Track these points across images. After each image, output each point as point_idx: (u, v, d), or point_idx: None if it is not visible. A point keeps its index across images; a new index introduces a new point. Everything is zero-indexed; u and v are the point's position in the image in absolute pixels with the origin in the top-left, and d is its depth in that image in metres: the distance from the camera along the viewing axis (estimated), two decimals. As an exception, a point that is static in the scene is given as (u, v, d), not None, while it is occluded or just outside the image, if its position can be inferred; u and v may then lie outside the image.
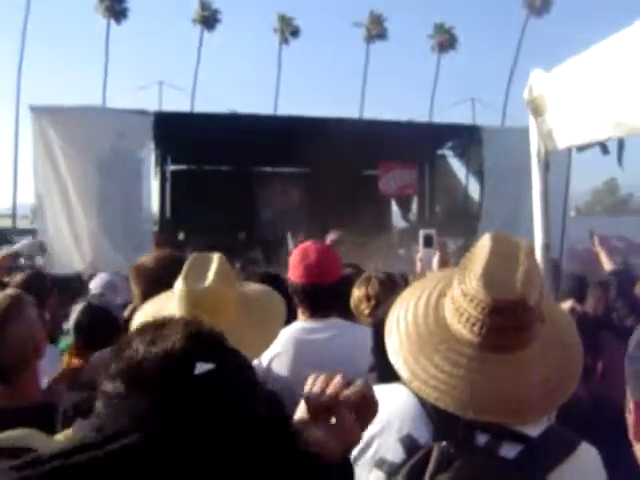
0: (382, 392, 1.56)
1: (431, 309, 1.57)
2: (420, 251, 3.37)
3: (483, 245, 1.55)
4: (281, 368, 2.54)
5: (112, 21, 47.14)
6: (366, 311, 3.31)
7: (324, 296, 2.78)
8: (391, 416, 1.46)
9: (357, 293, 3.42)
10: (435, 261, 3.26)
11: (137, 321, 2.13)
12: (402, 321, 1.59)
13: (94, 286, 4.62)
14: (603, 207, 62.18)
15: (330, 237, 4.12)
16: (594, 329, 3.73)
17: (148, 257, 2.74)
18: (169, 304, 2.15)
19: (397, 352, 1.53)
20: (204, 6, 50.36)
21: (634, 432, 1.11)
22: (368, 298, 3.33)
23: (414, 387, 1.44)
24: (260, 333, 2.16)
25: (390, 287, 3.31)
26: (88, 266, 12.85)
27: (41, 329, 2.51)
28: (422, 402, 1.45)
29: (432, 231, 3.36)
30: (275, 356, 2.59)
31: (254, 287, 2.33)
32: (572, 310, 3.74)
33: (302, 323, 2.78)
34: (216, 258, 2.18)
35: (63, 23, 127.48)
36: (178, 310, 2.07)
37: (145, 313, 2.18)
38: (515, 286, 1.44)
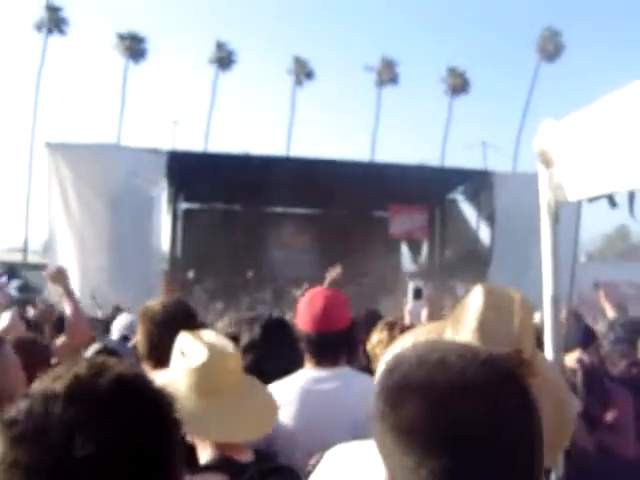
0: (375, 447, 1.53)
1: None
2: (409, 303, 3.34)
3: (475, 297, 1.53)
4: (287, 419, 2.50)
5: (130, 60, 47.91)
6: (381, 355, 3.25)
7: (331, 345, 2.73)
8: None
9: (378, 336, 3.36)
10: (424, 314, 3.23)
11: None
12: None
13: (117, 327, 4.63)
14: (614, 253, 61.89)
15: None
16: (601, 380, 3.70)
17: (156, 301, 2.74)
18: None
19: None
20: (220, 47, 51.10)
21: None
22: (388, 342, 3.28)
23: None
24: (266, 409, 2.15)
25: None
26: (97, 302, 12.83)
27: (19, 376, 2.36)
28: None
29: (421, 284, 3.35)
30: (281, 406, 2.56)
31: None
32: (580, 361, 3.71)
33: (309, 371, 2.74)
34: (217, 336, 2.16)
35: (80, 62, 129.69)
36: (194, 380, 2.01)
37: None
38: (510, 339, 1.43)
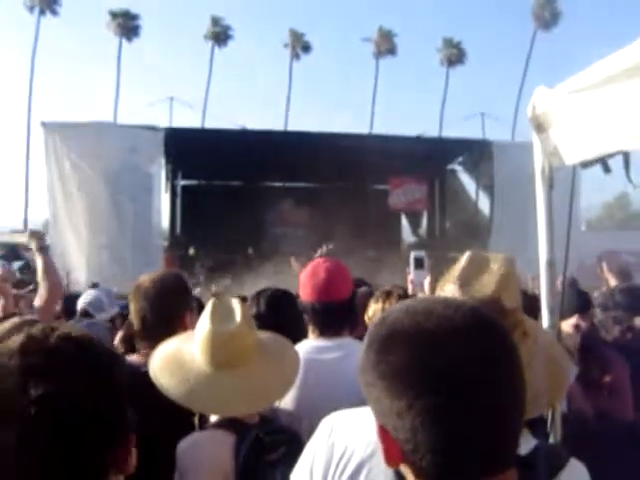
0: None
1: None
2: (411, 273, 3.35)
3: (460, 260, 1.64)
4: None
5: (124, 38, 47.46)
6: None
7: (334, 315, 2.76)
8: None
9: (375, 306, 3.37)
10: (426, 283, 3.24)
11: (155, 361, 2.17)
12: None
13: (81, 303, 4.63)
14: (614, 222, 61.84)
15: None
16: (599, 345, 3.72)
17: (147, 276, 2.75)
18: (187, 344, 2.20)
19: None
20: (215, 22, 50.57)
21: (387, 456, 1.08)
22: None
23: None
24: (280, 378, 2.23)
25: None
26: (97, 280, 12.86)
27: None
28: None
29: (423, 253, 3.37)
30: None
31: (266, 334, 2.37)
32: (577, 326, 3.72)
33: (313, 342, 2.76)
34: (238, 302, 2.22)
35: (74, 40, 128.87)
36: (202, 351, 2.12)
37: (164, 353, 2.20)
38: (490, 287, 1.52)
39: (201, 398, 2.05)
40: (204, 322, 2.14)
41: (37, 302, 3.66)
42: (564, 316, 3.63)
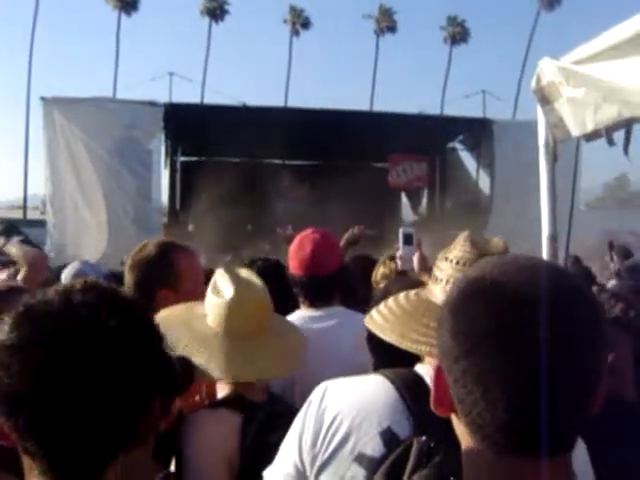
0: (362, 383, 1.53)
1: (411, 294, 1.67)
2: (400, 249, 3.39)
3: (457, 239, 1.68)
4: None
5: (122, 13, 47.06)
6: None
7: (322, 287, 2.78)
8: (370, 409, 1.41)
9: (382, 269, 3.61)
10: (415, 259, 3.27)
11: (162, 318, 2.07)
12: (382, 307, 1.66)
13: (64, 276, 4.63)
14: (614, 202, 61.78)
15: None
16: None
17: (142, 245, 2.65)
18: (198, 308, 2.16)
19: (384, 325, 1.59)
20: (210, -4, 50.02)
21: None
22: (390, 276, 3.44)
23: (406, 346, 1.48)
24: (299, 345, 2.26)
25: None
26: (97, 257, 12.85)
27: None
28: (402, 395, 1.42)
29: (412, 229, 3.41)
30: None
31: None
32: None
33: (305, 311, 2.78)
34: (251, 273, 2.20)
35: (73, 15, 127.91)
36: (222, 318, 2.06)
37: (172, 313, 2.14)
38: (499, 244, 1.61)
39: (235, 365, 2.01)
40: (227, 289, 2.09)
41: (19, 276, 3.67)
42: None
